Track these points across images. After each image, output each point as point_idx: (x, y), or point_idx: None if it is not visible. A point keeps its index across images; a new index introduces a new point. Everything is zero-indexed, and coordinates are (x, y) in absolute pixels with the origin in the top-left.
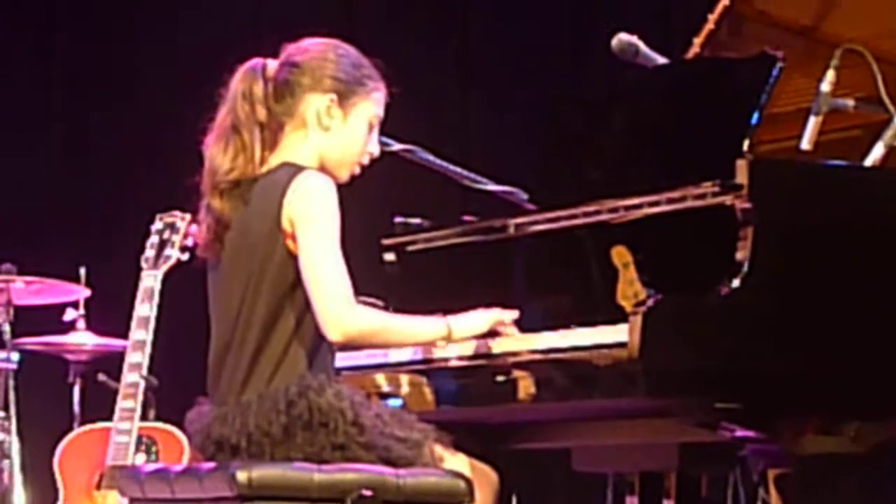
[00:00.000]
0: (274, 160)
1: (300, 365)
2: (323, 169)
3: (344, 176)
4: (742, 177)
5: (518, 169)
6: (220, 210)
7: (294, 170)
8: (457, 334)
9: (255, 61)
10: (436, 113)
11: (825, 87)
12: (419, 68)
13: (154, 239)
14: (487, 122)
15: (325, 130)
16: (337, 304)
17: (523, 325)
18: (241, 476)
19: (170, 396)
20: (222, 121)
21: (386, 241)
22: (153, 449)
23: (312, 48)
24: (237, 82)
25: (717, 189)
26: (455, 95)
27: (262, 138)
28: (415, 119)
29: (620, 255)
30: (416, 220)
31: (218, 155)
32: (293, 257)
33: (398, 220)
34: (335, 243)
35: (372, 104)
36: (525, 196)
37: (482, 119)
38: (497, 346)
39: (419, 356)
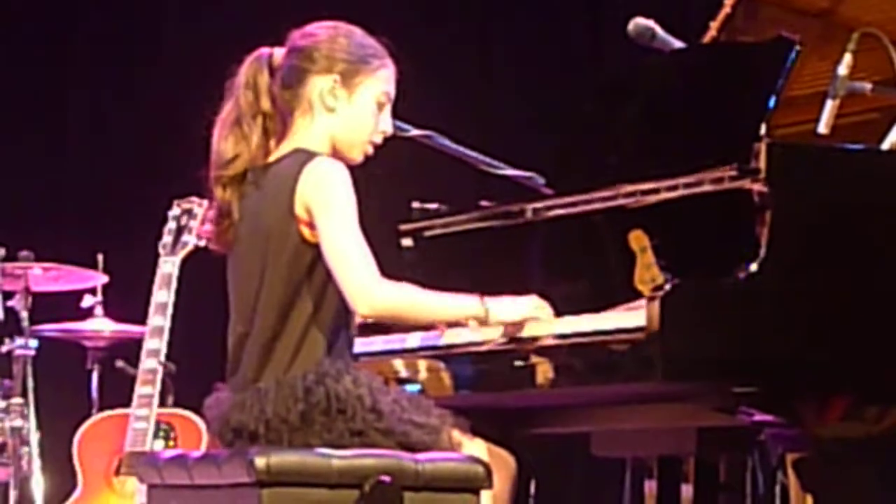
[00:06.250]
0: (285, 146)
1: (318, 351)
2: (335, 151)
3: (357, 157)
4: (759, 161)
5: (536, 154)
6: (223, 201)
7: (305, 156)
8: (493, 318)
9: (262, 50)
10: (455, 98)
11: (842, 70)
12: (439, 54)
13: (171, 225)
14: (506, 108)
15: (329, 112)
16: (363, 278)
17: None
18: (260, 462)
19: (188, 382)
20: (227, 113)
21: (403, 227)
22: (171, 435)
23: (315, 32)
24: (242, 72)
25: (734, 173)
26: (474, 81)
27: (264, 128)
28: (434, 104)
29: (638, 239)
30: (434, 206)
31: (220, 145)
32: (307, 244)
33: (415, 205)
34: (354, 223)
35: (378, 82)
36: (542, 181)
37: (500, 104)
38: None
39: (437, 341)
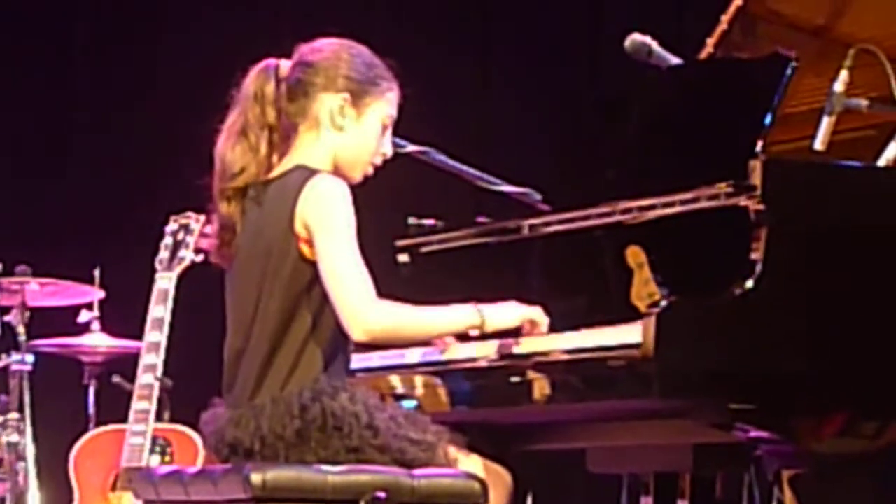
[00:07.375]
0: (287, 162)
1: (315, 368)
2: (336, 169)
3: (357, 176)
4: (755, 177)
5: (533, 170)
6: (227, 215)
7: (307, 173)
8: (489, 324)
9: (268, 62)
10: (451, 114)
11: (838, 87)
12: (438, 69)
13: (168, 240)
14: (503, 123)
15: (338, 130)
16: (359, 302)
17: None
18: (256, 478)
19: (184, 398)
20: (233, 123)
21: (400, 243)
22: (168, 450)
23: (326, 48)
24: (249, 83)
25: (730, 190)
26: (471, 96)
27: (270, 140)
28: (430, 120)
29: (635, 255)
30: (430, 222)
31: (227, 156)
32: (306, 261)
33: (412, 221)
34: (352, 244)
35: (385, 104)
36: (539, 197)
37: (497, 120)
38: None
39: (434, 357)
